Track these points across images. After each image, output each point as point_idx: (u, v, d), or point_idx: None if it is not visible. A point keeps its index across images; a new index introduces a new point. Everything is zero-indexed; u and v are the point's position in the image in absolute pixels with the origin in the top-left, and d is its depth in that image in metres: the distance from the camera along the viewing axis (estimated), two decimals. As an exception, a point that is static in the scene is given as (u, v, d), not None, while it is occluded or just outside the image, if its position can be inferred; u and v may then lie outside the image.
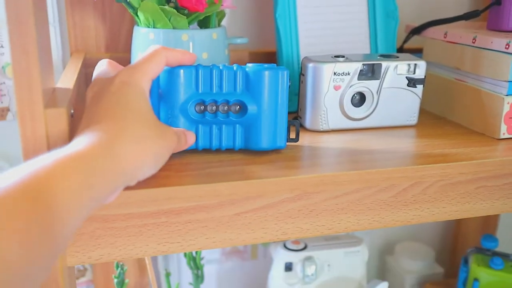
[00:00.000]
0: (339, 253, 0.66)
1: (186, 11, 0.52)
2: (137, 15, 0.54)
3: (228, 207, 0.43)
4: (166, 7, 0.52)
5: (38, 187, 0.29)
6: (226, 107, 0.46)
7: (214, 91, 0.45)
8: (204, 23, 0.56)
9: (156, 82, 0.45)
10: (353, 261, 0.66)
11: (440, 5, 0.81)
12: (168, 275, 0.64)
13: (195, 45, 0.53)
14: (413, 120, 0.56)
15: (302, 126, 0.55)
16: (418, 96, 0.55)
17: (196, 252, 0.66)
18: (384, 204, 0.48)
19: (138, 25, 0.55)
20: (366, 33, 0.65)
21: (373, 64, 0.53)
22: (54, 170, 0.30)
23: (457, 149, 0.51)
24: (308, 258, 0.65)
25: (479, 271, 0.69)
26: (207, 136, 0.47)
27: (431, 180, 0.49)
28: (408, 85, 0.54)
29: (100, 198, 0.34)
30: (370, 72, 0.53)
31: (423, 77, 0.55)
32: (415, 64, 0.54)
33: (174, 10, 0.51)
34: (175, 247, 0.44)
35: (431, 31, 0.63)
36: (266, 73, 0.45)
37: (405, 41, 0.68)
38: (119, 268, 0.59)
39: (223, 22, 0.70)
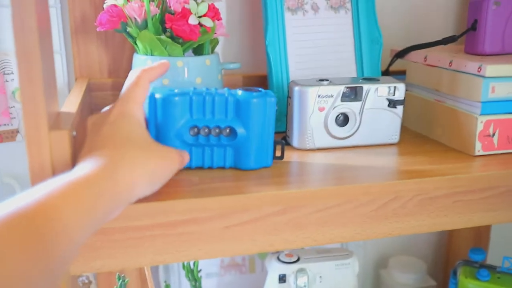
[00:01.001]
0: (330, 265, 0.69)
1: (180, 40, 0.57)
2: (136, 44, 0.58)
3: (218, 221, 0.47)
4: (162, 36, 0.56)
5: (49, 209, 0.33)
6: (217, 131, 0.50)
7: (207, 118, 0.49)
8: (198, 50, 0.61)
9: (153, 110, 0.49)
10: (344, 273, 0.69)
11: (425, 30, 0.85)
12: (167, 287, 0.68)
13: (190, 71, 0.58)
14: (395, 138, 0.60)
15: (290, 145, 0.59)
16: (399, 116, 0.59)
17: (194, 264, 0.69)
18: (365, 218, 0.52)
19: (137, 53, 0.59)
20: (352, 58, 0.69)
21: (355, 87, 0.57)
22: (63, 193, 0.34)
23: (435, 165, 0.55)
24: (301, 270, 0.68)
25: (467, 283, 0.72)
26: (200, 156, 0.51)
27: (410, 194, 0.52)
28: (388, 106, 0.58)
29: (104, 217, 0.38)
30: (353, 94, 0.57)
31: (403, 98, 0.58)
32: (395, 87, 0.58)
33: (170, 40, 0.56)
34: (170, 258, 0.47)
35: (413, 55, 0.67)
36: (255, 101, 0.49)
37: (390, 64, 0.72)
38: (120, 280, 0.62)
39: (218, 49, 0.74)
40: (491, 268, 0.74)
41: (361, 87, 0.57)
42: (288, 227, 0.50)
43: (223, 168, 0.52)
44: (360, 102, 0.57)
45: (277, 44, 0.65)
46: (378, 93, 0.58)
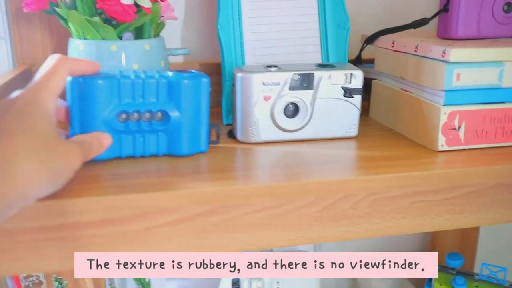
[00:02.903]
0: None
1: (114, 22, 0.52)
2: (69, 27, 0.53)
3: (138, 221, 0.42)
4: (95, 18, 0.51)
5: None
6: (148, 115, 0.46)
7: (136, 102, 0.46)
8: (139, 34, 0.55)
9: (76, 95, 0.45)
10: (304, 279, 0.64)
11: (404, 12, 0.78)
12: (113, 290, 0.63)
13: (127, 56, 0.53)
14: (353, 131, 0.54)
15: (235, 138, 0.53)
16: (357, 107, 0.53)
17: None
18: (310, 219, 0.46)
19: (72, 37, 0.54)
20: (318, 44, 0.64)
21: (306, 74, 0.51)
22: None
23: (392, 161, 0.49)
24: (256, 275, 0.62)
25: (442, 291, 0.66)
26: (131, 144, 0.47)
27: (361, 194, 0.47)
28: (344, 95, 0.52)
29: None
30: (305, 82, 0.51)
31: (360, 87, 0.52)
32: (351, 74, 0.52)
33: (100, 21, 0.51)
34: (82, 262, 0.43)
35: (381, 41, 0.61)
36: (186, 82, 0.46)
37: (361, 51, 0.66)
38: (57, 283, 0.58)
39: (176, 34, 0.69)
40: (469, 276, 0.67)
41: (312, 74, 0.51)
42: (220, 229, 0.45)
43: (156, 156, 0.48)
44: (312, 91, 0.52)
45: (231, 28, 0.60)
46: (332, 80, 0.52)
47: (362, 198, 0.47)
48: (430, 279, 0.68)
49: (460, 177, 0.48)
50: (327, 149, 0.52)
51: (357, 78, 0.52)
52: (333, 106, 0.52)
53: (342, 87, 0.52)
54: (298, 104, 0.52)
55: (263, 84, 0.50)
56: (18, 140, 0.36)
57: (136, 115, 0.46)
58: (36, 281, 0.73)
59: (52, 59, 0.42)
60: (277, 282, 0.64)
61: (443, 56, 0.48)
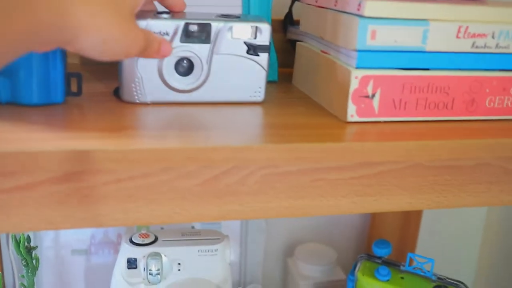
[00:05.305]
0: (191, 250, 0.56)
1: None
2: None
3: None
4: None
5: None
6: None
7: None
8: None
9: None
10: (210, 262, 0.57)
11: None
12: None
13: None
14: (259, 96, 0.47)
15: (119, 97, 0.46)
16: (263, 68, 0.46)
17: (21, 236, 0.57)
18: (187, 193, 0.39)
19: None
20: (239, -3, 0.56)
21: (200, 24, 0.43)
22: None
23: (293, 131, 0.42)
24: (153, 255, 0.55)
25: (364, 281, 0.59)
26: None
27: (250, 167, 0.40)
28: (248, 52, 0.45)
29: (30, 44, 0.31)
30: (202, 34, 0.44)
31: (268, 43, 0.45)
32: (257, 28, 0.44)
33: None
34: None
35: (307, -4, 0.53)
36: None
37: (290, 9, 0.59)
38: None
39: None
40: (395, 266, 0.61)
41: (209, 25, 0.43)
42: (74, 200, 0.38)
43: None
44: (209, 45, 0.44)
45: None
46: (233, 34, 0.44)
47: (251, 171, 0.40)
48: (354, 268, 0.62)
49: (369, 153, 0.41)
50: (223, 114, 0.44)
51: (263, 33, 0.44)
52: (235, 65, 0.45)
53: (245, 43, 0.44)
54: (193, 60, 0.44)
55: (148, 32, 0.42)
56: None
57: None
58: None
59: None
60: (179, 264, 0.57)
61: (358, 9, 0.41)
